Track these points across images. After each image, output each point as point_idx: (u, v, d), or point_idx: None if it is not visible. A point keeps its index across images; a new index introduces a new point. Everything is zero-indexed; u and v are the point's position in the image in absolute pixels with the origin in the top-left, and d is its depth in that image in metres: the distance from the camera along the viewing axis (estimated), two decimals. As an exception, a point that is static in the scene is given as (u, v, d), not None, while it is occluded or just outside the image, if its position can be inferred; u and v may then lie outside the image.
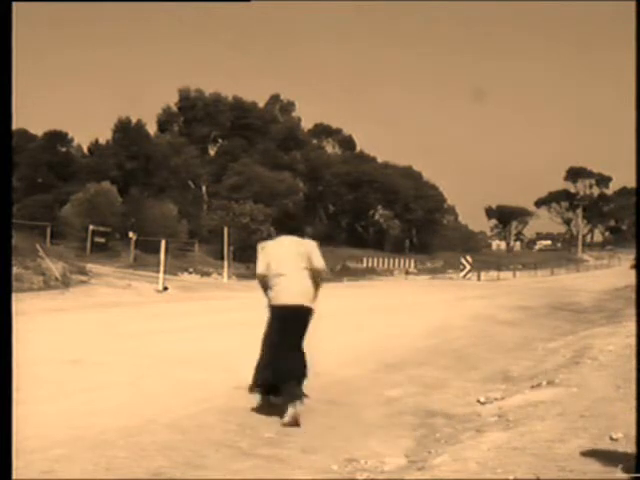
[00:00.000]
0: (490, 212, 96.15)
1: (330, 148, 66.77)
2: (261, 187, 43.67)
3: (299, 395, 5.25)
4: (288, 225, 5.84)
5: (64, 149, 45.55)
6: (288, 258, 5.41)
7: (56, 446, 4.22)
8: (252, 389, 5.57)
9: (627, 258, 53.15)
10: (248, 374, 6.92)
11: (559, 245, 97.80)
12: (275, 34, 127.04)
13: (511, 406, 5.67)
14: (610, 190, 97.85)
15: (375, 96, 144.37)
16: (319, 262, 5.45)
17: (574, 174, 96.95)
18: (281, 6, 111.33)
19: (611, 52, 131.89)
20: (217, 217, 39.42)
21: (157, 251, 20.28)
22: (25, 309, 10.78)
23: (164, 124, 53.82)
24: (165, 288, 18.35)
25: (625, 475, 3.57)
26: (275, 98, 61.04)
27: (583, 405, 5.35)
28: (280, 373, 5.31)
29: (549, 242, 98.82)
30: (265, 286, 5.51)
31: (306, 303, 5.39)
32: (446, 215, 71.35)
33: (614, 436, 4.29)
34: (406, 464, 4.31)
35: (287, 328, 5.37)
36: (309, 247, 5.48)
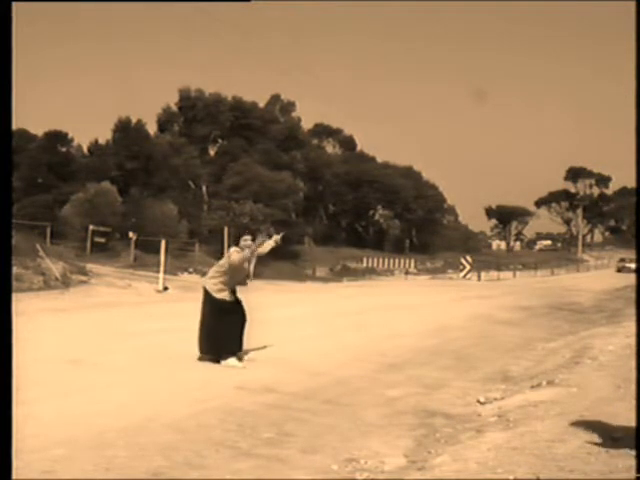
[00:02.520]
0: (490, 212, 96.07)
1: (330, 148, 66.79)
2: (261, 187, 43.60)
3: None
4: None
5: (64, 149, 45.46)
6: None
7: (56, 446, 4.22)
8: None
9: (628, 258, 53.00)
10: (249, 374, 6.95)
11: (559, 245, 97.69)
12: (275, 34, 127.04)
13: (511, 406, 5.66)
14: (610, 190, 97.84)
15: (375, 96, 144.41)
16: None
17: (574, 174, 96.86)
18: (281, 6, 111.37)
19: (612, 52, 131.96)
20: (217, 217, 39.39)
21: (157, 251, 20.25)
22: (25, 309, 10.79)
23: (164, 124, 53.73)
24: (165, 288, 18.33)
25: (625, 475, 3.57)
26: (275, 98, 60.95)
27: (583, 405, 5.35)
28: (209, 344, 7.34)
29: (549, 242, 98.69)
30: None
31: (210, 290, 7.34)
32: (446, 215, 71.35)
33: (614, 436, 4.29)
34: (406, 464, 4.31)
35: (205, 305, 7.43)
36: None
